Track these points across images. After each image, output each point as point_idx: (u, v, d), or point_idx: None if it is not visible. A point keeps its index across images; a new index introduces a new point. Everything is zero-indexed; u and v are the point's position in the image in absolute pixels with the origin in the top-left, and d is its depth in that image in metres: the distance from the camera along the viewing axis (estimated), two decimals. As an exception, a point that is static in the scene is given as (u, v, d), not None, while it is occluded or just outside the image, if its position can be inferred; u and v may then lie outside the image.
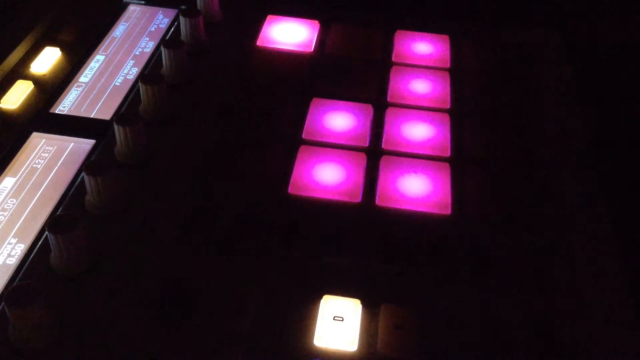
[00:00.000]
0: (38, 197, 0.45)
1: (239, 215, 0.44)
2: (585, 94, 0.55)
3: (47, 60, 0.56)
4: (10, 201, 0.45)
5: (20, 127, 0.50)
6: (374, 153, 0.49)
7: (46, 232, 0.40)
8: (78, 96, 0.53)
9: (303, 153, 0.49)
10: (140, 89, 0.50)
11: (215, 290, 0.40)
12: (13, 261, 0.41)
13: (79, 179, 0.46)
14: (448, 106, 0.54)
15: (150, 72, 0.55)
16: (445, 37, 0.60)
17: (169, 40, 0.54)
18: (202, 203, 0.45)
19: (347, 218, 0.45)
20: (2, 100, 0.52)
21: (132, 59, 0.57)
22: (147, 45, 0.58)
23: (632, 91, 0.59)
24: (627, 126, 0.56)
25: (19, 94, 0.52)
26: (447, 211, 0.45)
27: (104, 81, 0.54)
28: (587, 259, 0.43)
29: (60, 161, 0.48)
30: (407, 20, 0.62)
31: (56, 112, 0.52)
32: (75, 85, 0.54)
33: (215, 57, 0.57)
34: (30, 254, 0.42)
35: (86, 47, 0.58)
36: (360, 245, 0.43)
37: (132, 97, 0.53)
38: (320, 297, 0.40)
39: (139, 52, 0.58)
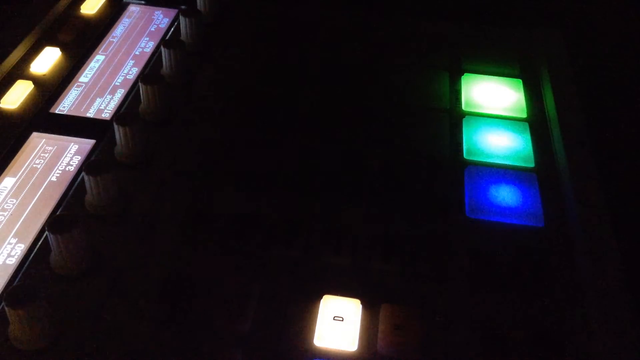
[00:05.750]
0: (38, 197, 0.45)
1: (239, 215, 0.45)
2: (585, 94, 0.55)
3: (47, 60, 0.56)
4: (10, 201, 0.45)
5: (20, 127, 0.50)
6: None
7: (46, 232, 0.40)
8: (78, 96, 0.53)
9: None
10: (140, 89, 0.50)
11: (215, 290, 0.40)
12: (13, 261, 0.41)
13: (79, 179, 0.46)
14: (448, 107, 0.54)
15: (150, 72, 0.55)
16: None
17: (169, 40, 0.54)
18: (202, 203, 0.45)
19: (347, 217, 0.45)
20: (2, 100, 0.52)
21: (132, 59, 0.57)
22: (147, 45, 0.58)
23: (632, 91, 0.59)
24: (627, 126, 0.56)
25: (19, 94, 0.52)
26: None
27: (104, 81, 0.54)
28: (587, 259, 0.43)
29: (60, 161, 0.48)
30: (407, 20, 0.62)
31: (56, 112, 0.52)
32: (75, 85, 0.54)
33: (215, 57, 0.57)
34: (30, 254, 0.42)
35: (86, 47, 0.58)
36: (360, 245, 0.43)
37: (132, 97, 0.53)
38: (320, 297, 0.40)
39: (139, 52, 0.58)
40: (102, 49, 0.58)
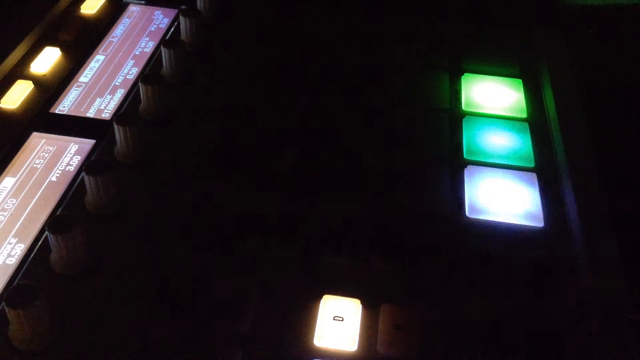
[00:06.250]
0: (38, 197, 0.45)
1: (239, 215, 0.44)
2: (585, 94, 0.55)
3: (47, 60, 0.56)
4: (10, 201, 0.45)
5: (20, 127, 0.50)
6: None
7: (46, 232, 0.40)
8: (78, 96, 0.53)
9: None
10: (140, 89, 0.50)
11: (215, 290, 0.40)
12: (13, 261, 0.41)
13: (79, 179, 0.46)
14: (448, 107, 0.54)
15: (150, 72, 0.55)
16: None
17: (169, 40, 0.54)
18: (202, 203, 0.45)
19: (347, 217, 0.45)
20: (2, 100, 0.52)
21: (132, 59, 0.57)
22: (147, 45, 0.58)
23: (632, 91, 0.59)
24: (627, 126, 0.56)
25: (19, 94, 0.52)
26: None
27: (104, 81, 0.54)
28: (587, 259, 0.43)
29: (60, 161, 0.48)
30: (407, 20, 0.62)
31: (56, 112, 0.52)
32: (75, 85, 0.54)
33: (215, 57, 0.57)
34: (30, 254, 0.42)
35: (86, 47, 0.58)
36: (360, 245, 0.43)
37: (132, 97, 0.53)
38: (320, 297, 0.40)
39: (139, 52, 0.58)
40: (102, 49, 0.58)
